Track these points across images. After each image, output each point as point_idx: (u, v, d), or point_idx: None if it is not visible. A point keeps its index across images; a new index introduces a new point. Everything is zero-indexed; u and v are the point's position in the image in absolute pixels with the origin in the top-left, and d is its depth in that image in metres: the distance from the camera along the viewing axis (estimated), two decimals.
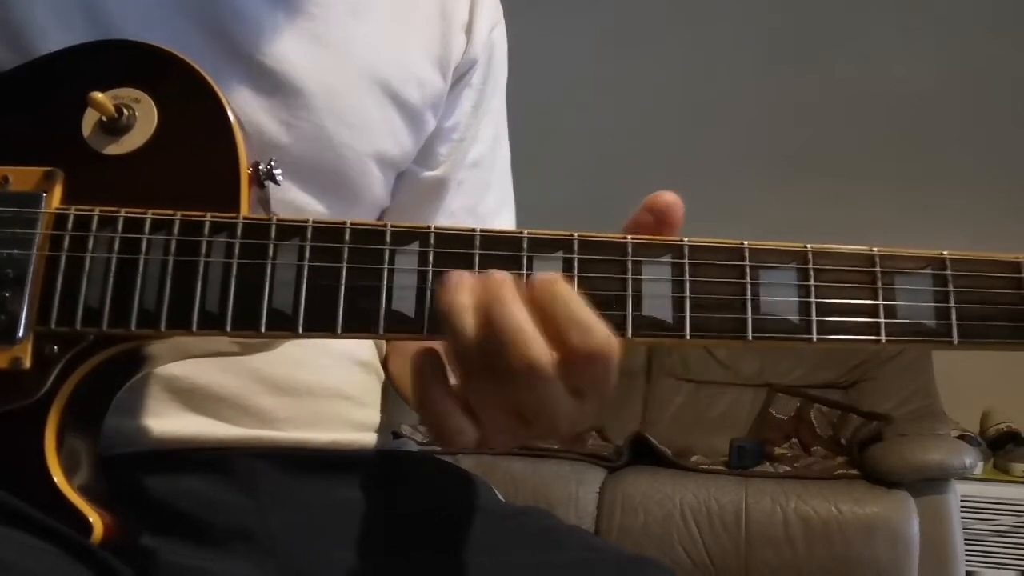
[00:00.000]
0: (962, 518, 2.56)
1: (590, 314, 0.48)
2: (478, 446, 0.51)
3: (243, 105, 0.63)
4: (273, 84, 0.68)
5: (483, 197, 0.84)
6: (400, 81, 0.75)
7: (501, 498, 0.78)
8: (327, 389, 0.73)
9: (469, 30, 0.80)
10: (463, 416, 0.50)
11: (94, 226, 0.53)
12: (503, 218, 0.86)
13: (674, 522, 2.47)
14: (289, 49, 0.69)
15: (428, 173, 0.81)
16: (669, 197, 0.53)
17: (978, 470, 2.81)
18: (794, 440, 2.91)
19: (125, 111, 0.56)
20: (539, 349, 0.47)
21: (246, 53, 0.67)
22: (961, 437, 2.81)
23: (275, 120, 0.68)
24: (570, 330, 0.48)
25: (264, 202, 0.58)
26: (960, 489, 2.59)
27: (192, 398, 0.66)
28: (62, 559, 0.54)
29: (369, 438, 0.76)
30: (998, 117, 3.42)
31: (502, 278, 0.49)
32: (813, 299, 0.52)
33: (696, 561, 2.43)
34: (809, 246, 0.53)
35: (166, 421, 0.65)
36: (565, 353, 0.48)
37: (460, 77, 0.81)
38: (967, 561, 2.60)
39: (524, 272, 0.51)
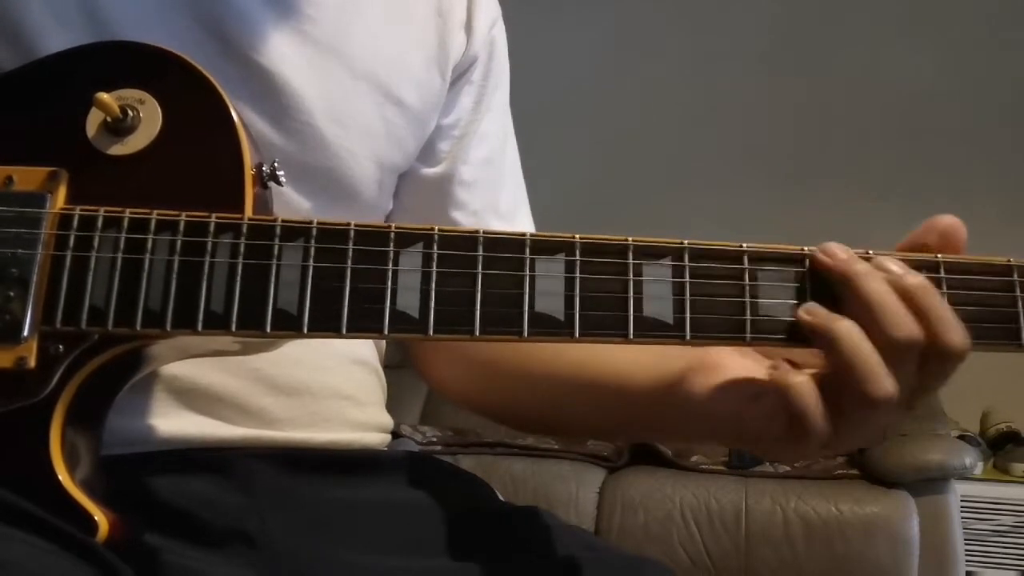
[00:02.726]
0: (962, 518, 2.55)
1: (954, 314, 0.52)
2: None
3: (237, 106, 0.64)
4: (268, 86, 0.68)
5: (500, 194, 0.85)
6: (398, 83, 0.75)
7: (501, 498, 0.78)
8: (326, 389, 0.73)
9: (468, 28, 0.80)
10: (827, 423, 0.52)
11: (99, 226, 0.53)
12: (521, 215, 0.87)
13: (674, 522, 2.47)
14: (285, 51, 0.69)
15: (429, 170, 0.81)
16: (949, 220, 0.55)
17: (978, 470, 2.81)
18: None
19: (130, 112, 0.56)
20: (915, 325, 0.51)
21: (243, 53, 0.67)
22: (961, 437, 2.81)
23: (269, 122, 0.68)
24: (943, 325, 0.51)
25: (267, 203, 0.59)
26: (960, 489, 2.58)
27: (191, 398, 0.66)
28: (63, 558, 0.54)
29: (369, 438, 0.76)
30: (998, 119, 3.42)
31: (848, 253, 0.53)
32: (809, 300, 0.53)
33: (696, 561, 2.43)
34: (806, 249, 0.54)
35: (165, 421, 0.65)
36: (933, 345, 0.51)
37: (460, 75, 0.81)
38: (967, 561, 2.60)
39: (527, 272, 0.52)
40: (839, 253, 0.53)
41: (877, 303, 0.51)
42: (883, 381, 0.50)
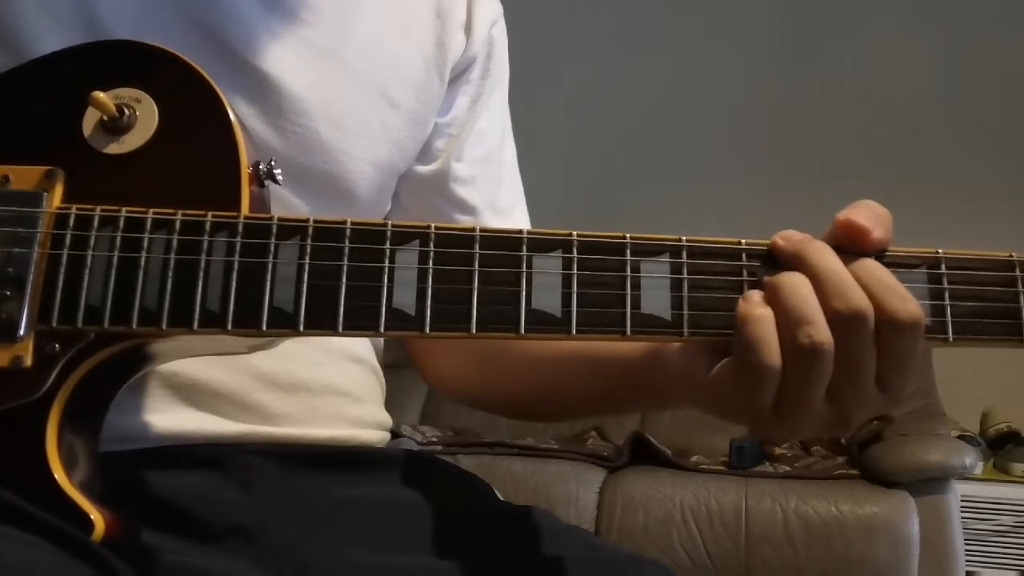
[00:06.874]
0: (962, 518, 2.55)
1: (903, 286, 0.52)
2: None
3: (235, 108, 0.64)
4: (266, 88, 0.68)
5: (498, 192, 0.85)
6: (396, 86, 0.75)
7: (501, 498, 0.78)
8: (324, 385, 0.73)
9: (468, 28, 0.81)
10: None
11: (95, 225, 0.53)
12: (518, 213, 0.87)
13: (674, 522, 2.47)
14: (283, 54, 0.69)
15: (423, 168, 0.81)
16: (853, 214, 0.54)
17: (978, 470, 2.81)
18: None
19: (126, 111, 0.56)
20: (863, 296, 0.51)
21: (240, 57, 0.67)
22: (961, 437, 2.81)
23: (267, 124, 0.68)
24: (889, 295, 0.51)
25: (264, 202, 0.58)
26: (960, 489, 2.58)
27: (190, 394, 0.66)
28: (62, 557, 0.54)
29: (367, 435, 0.76)
30: (998, 117, 3.42)
31: (804, 235, 0.54)
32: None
33: (696, 561, 2.43)
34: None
35: (164, 417, 0.65)
36: (881, 313, 0.51)
37: (459, 75, 0.81)
38: (967, 561, 2.60)
39: (524, 269, 0.52)
40: (794, 236, 0.54)
41: (826, 273, 0.52)
42: (820, 328, 0.50)
